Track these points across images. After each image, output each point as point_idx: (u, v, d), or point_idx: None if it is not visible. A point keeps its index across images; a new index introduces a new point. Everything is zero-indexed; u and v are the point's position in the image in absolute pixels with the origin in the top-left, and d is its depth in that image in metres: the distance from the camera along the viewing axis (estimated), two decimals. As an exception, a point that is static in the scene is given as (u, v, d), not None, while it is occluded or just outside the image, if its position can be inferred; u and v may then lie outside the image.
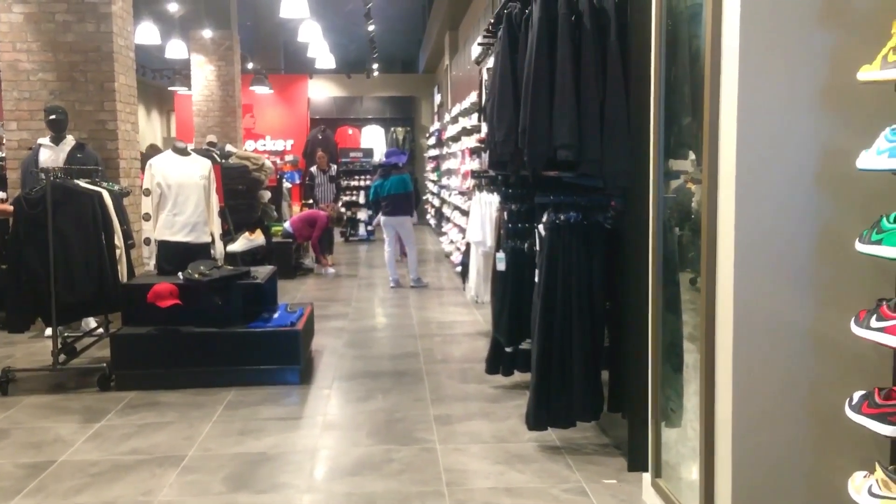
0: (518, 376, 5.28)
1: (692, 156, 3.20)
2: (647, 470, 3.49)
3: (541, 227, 4.19)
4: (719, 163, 2.69)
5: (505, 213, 5.17)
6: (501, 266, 4.97)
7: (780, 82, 2.57)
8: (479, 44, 7.11)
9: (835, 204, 2.59)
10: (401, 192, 9.79)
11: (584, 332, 4.05)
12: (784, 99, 2.58)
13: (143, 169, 6.76)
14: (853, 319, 2.18)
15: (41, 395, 5.30)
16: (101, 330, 6.41)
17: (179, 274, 5.64)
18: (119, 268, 5.69)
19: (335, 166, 14.48)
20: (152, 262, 6.07)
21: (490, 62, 6.09)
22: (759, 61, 2.56)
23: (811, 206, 2.60)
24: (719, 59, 2.66)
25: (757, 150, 2.58)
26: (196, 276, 5.56)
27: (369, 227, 11.03)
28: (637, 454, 3.71)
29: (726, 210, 2.65)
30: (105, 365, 5.45)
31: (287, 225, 10.62)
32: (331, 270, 11.19)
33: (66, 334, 6.09)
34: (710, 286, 2.74)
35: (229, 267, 6.10)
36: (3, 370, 5.34)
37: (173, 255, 5.92)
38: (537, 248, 4.30)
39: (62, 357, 5.63)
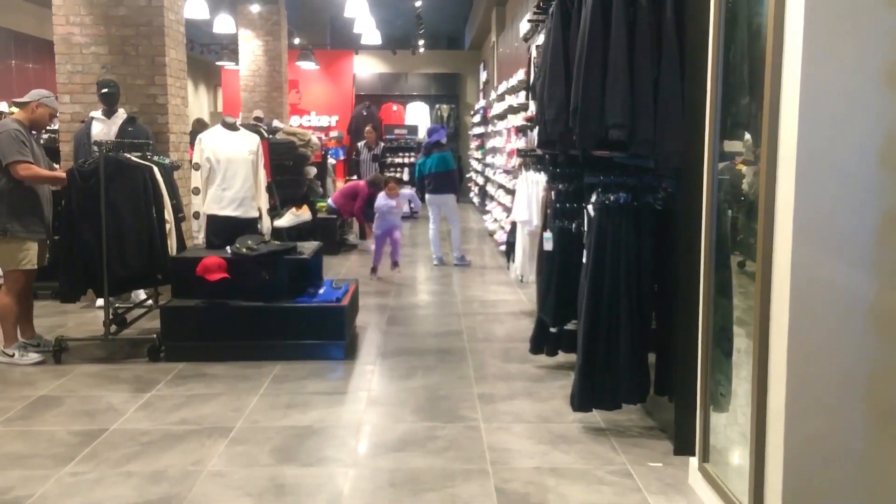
0: (562, 357, 5.25)
1: (746, 136, 3.13)
2: (693, 454, 3.46)
3: (590, 207, 4.14)
4: (779, 143, 2.62)
5: (553, 193, 5.12)
6: (549, 246, 4.93)
7: (845, 61, 2.49)
8: (529, 20, 7.02)
9: (900, 187, 2.51)
10: (442, 171, 9.75)
11: (632, 313, 4.01)
12: (849, 78, 2.50)
13: (191, 143, 6.84)
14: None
15: (93, 364, 5.43)
16: (150, 302, 6.53)
17: (227, 248, 5.71)
18: (169, 241, 5.78)
19: (382, 143, 14.50)
20: (201, 235, 6.15)
21: (540, 39, 6.02)
22: (824, 39, 2.48)
23: (875, 186, 2.53)
24: (782, 38, 2.59)
25: (819, 131, 2.51)
26: (244, 250, 5.62)
27: (412, 206, 10.60)
28: (683, 438, 3.67)
29: (785, 191, 2.58)
30: (155, 336, 5.56)
31: (330, 201, 10.68)
32: (374, 247, 11.23)
33: (116, 305, 6.22)
34: (766, 269, 2.69)
35: (276, 242, 6.16)
36: (57, 339, 5.48)
37: (221, 230, 5.99)
38: (585, 228, 4.26)
39: (113, 328, 5.75)
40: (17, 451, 3.89)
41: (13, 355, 5.37)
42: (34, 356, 5.41)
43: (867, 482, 2.60)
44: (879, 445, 2.58)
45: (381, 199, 8.89)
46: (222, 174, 6.05)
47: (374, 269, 8.84)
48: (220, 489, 3.48)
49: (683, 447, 3.67)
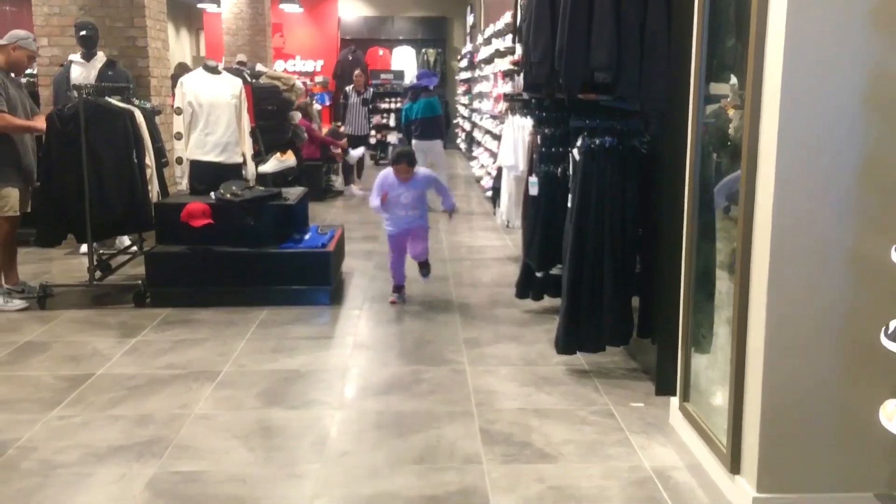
0: (547, 301, 5.29)
1: (733, 80, 3.11)
2: (674, 394, 3.52)
3: (575, 151, 4.12)
4: (764, 84, 2.61)
5: (538, 138, 5.10)
6: (534, 191, 4.93)
7: (831, 1, 2.46)
8: (515, -39, 6.89)
9: (883, 128, 2.51)
10: (430, 116, 9.66)
11: (616, 257, 4.03)
12: (835, 19, 2.48)
13: (173, 88, 6.74)
14: (894, 248, 2.14)
15: (78, 310, 5.43)
16: (134, 248, 6.50)
17: (212, 194, 5.67)
18: (151, 187, 5.73)
19: (371, 88, 14.32)
20: (184, 181, 6.11)
21: (526, -20, 5.91)
22: (811, -22, 2.45)
23: (858, 129, 2.52)
24: (769, -24, 2.55)
25: (804, 72, 2.49)
26: (228, 196, 5.59)
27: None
28: (665, 378, 3.73)
29: (769, 133, 2.58)
30: (140, 282, 5.55)
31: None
32: (360, 192, 11.20)
33: (101, 252, 6.19)
34: (748, 211, 2.70)
35: (260, 188, 6.12)
36: (41, 285, 5.46)
37: (205, 175, 5.94)
38: (571, 172, 4.25)
39: (98, 274, 5.74)
40: (3, 396, 3.91)
41: (-2, 301, 5.36)
42: (19, 302, 5.39)
43: (842, 419, 2.65)
44: (855, 384, 2.62)
45: (388, 179, 5.54)
46: (205, 119, 5.97)
47: (396, 290, 5.72)
48: (208, 431, 3.52)
49: (665, 388, 3.73)
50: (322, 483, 3.06)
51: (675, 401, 3.50)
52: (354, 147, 11.49)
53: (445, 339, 4.81)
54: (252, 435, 3.48)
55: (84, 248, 6.25)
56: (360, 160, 12.10)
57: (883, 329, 2.28)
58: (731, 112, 3.14)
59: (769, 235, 2.58)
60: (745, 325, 2.73)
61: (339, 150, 11.06)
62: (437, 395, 3.95)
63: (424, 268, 5.85)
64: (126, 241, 6.80)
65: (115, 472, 3.13)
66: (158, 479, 3.06)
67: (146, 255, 5.69)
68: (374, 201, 5.52)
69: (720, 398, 3.09)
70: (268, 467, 3.19)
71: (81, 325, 5.09)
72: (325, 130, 12.29)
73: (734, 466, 2.80)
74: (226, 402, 3.86)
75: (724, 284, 3.12)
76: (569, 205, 4.19)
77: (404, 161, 5.44)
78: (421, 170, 5.65)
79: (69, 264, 6.64)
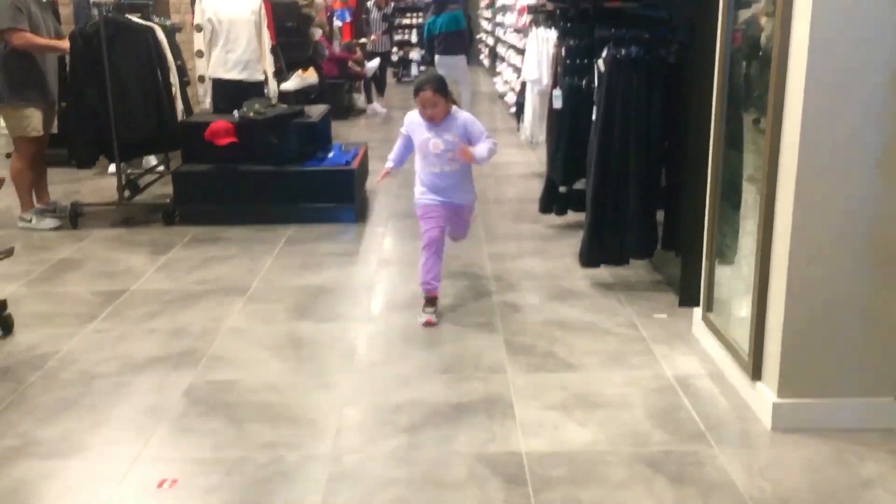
0: (571, 216, 5.29)
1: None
2: (697, 305, 3.54)
3: (600, 62, 4.06)
4: (796, -12, 2.53)
5: (563, 49, 5.00)
6: (558, 104, 4.87)
7: None
8: None
9: (918, 31, 2.44)
10: (453, 30, 9.48)
11: (641, 170, 4.00)
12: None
13: (192, 5, 6.65)
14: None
15: (109, 228, 5.52)
16: (161, 168, 6.55)
17: (234, 112, 5.67)
18: (175, 105, 5.73)
19: (392, 3, 14.03)
20: (207, 99, 6.10)
21: None
22: None
23: (890, 34, 2.45)
24: None
25: (838, -27, 2.41)
26: (251, 114, 5.58)
27: (422, 68, 9.96)
28: (688, 290, 3.75)
29: (799, 39, 2.52)
30: (168, 201, 5.62)
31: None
32: (382, 110, 11.11)
33: (128, 171, 6.25)
34: (777, 119, 2.66)
35: (283, 106, 6.09)
36: (72, 204, 5.55)
37: (227, 94, 5.93)
38: (595, 84, 4.19)
39: (126, 193, 5.81)
40: (42, 311, 4.03)
41: (31, 220, 5.46)
42: (51, 221, 5.49)
43: (865, 324, 2.67)
44: (880, 290, 2.63)
45: (413, 119, 3.95)
46: (225, 36, 5.92)
47: (429, 302, 3.90)
48: (240, 343, 3.62)
49: (688, 299, 3.75)
50: (352, 392, 3.16)
51: (698, 311, 3.53)
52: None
53: (470, 255, 4.85)
54: (283, 347, 3.57)
55: (112, 168, 6.32)
56: (382, 77, 11.97)
57: (909, 235, 2.27)
58: (763, 20, 3.07)
59: (797, 142, 2.55)
60: (771, 233, 2.73)
61: (359, 68, 10.93)
62: (462, 308, 4.01)
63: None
64: (153, 160, 6.85)
65: (152, 381, 3.24)
66: (195, 388, 3.18)
67: (173, 174, 5.74)
68: (391, 156, 4.04)
69: (743, 308, 3.11)
70: (299, 377, 3.29)
71: (113, 243, 5.19)
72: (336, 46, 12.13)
73: (755, 373, 2.84)
74: (256, 315, 3.95)
75: (751, 197, 3.10)
76: (593, 117, 4.15)
77: (428, 87, 3.69)
78: (461, 113, 3.85)
79: (98, 184, 6.72)
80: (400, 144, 4.00)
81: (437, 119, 3.76)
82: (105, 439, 2.81)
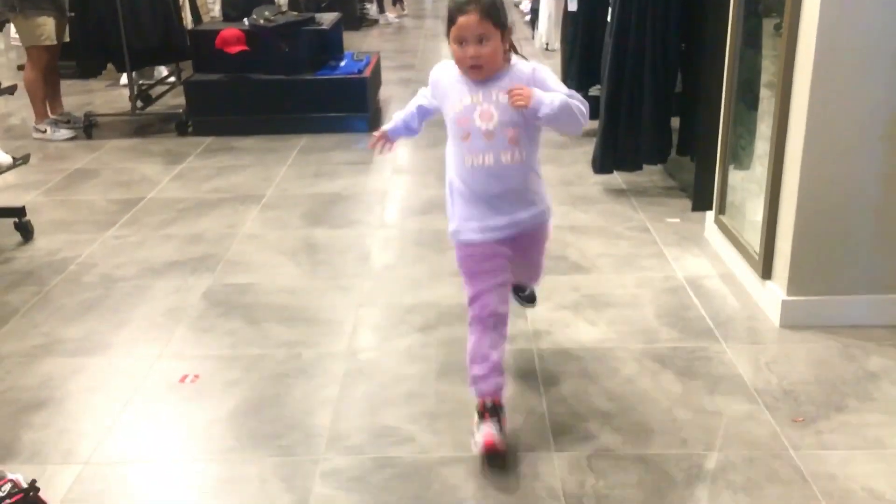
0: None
1: None
2: (710, 209, 3.54)
3: (617, -40, 3.93)
4: None
5: (578, -51, 4.84)
6: (573, 6, 4.77)
7: None
8: None
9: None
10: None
11: (657, 73, 3.94)
12: None
13: None
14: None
15: (123, 139, 5.53)
16: (173, 78, 6.51)
17: (245, 20, 5.59)
18: (183, 14, 5.65)
19: None
20: (217, 7, 6.01)
21: None
22: None
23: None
24: None
25: None
26: (261, 21, 5.50)
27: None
28: (702, 194, 3.74)
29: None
30: (181, 111, 5.61)
31: None
32: (395, 19, 10.91)
33: (140, 82, 6.22)
34: (794, 16, 2.60)
35: (293, 13, 6.00)
36: (86, 115, 5.55)
37: (237, 1, 5.83)
38: (612, -16, 4.08)
39: (139, 104, 5.80)
40: (61, 218, 4.09)
41: (45, 131, 5.47)
42: (65, 132, 5.51)
43: (876, 222, 2.67)
44: (891, 189, 2.61)
45: (443, 76, 2.24)
46: (231, -60, 5.78)
47: (491, 413, 2.18)
48: (256, 248, 3.67)
49: (701, 203, 3.75)
50: (366, 294, 3.21)
51: (710, 215, 3.53)
52: None
53: (483, 162, 4.83)
54: (298, 252, 3.62)
55: (124, 79, 6.29)
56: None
57: (925, 129, 2.24)
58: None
59: (814, 38, 2.49)
60: (785, 132, 2.71)
61: None
62: (475, 214, 4.02)
63: (526, 295, 2.76)
64: (164, 71, 6.80)
65: (172, 284, 3.31)
66: (213, 290, 3.24)
67: (185, 83, 5.71)
68: (398, 116, 2.44)
69: (756, 210, 3.11)
70: (314, 280, 3.34)
71: (128, 153, 5.21)
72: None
73: (766, 272, 2.86)
74: (271, 222, 3.99)
75: (768, 102, 3.06)
76: (608, 20, 4.07)
77: (474, 8, 2.08)
78: (526, 64, 2.22)
79: (110, 95, 6.70)
80: (411, 107, 2.38)
81: (486, 70, 2.11)
82: (127, 338, 2.89)
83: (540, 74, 2.16)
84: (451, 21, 2.09)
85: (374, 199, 4.33)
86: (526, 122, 2.11)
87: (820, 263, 2.71)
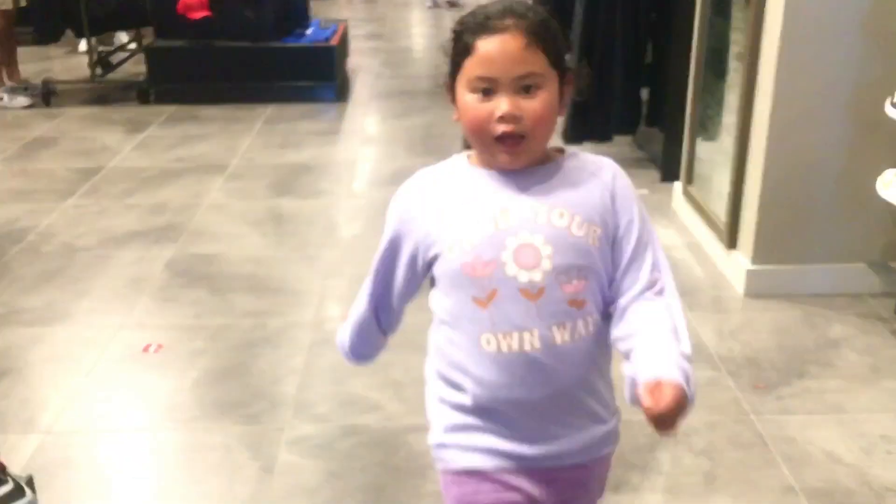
0: (555, 95, 5.23)
1: None
2: (678, 180, 3.56)
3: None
4: None
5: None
6: (542, -24, 4.72)
7: None
8: None
9: None
10: None
11: (627, 43, 3.93)
12: None
13: None
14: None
15: (83, 107, 5.41)
16: (134, 45, 6.37)
17: (208, -15, 5.47)
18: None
19: None
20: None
21: None
22: None
23: None
24: None
25: None
26: (226, -13, 5.39)
27: None
28: (670, 165, 3.75)
29: None
30: (143, 79, 5.49)
31: None
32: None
33: (100, 49, 6.07)
34: (764, -17, 2.60)
35: (259, -21, 5.88)
36: (44, 82, 5.42)
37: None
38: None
39: (99, 71, 5.67)
40: (19, 187, 3.99)
41: (2, 98, 5.33)
42: (23, 99, 5.36)
43: (841, 191, 2.70)
44: (857, 156, 2.64)
45: (431, 191, 1.19)
46: None
47: None
48: (221, 218, 3.62)
49: (670, 174, 3.76)
50: (333, 264, 3.18)
51: (678, 185, 3.55)
52: None
53: (454, 133, 4.71)
54: (264, 222, 3.58)
55: (83, 45, 6.13)
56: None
57: (888, 99, 2.26)
58: None
59: (781, 8, 2.50)
60: (752, 102, 2.72)
61: None
62: (443, 184, 4.00)
63: None
64: (124, 37, 6.64)
65: (134, 254, 3.25)
66: (176, 260, 3.19)
67: (146, 50, 5.59)
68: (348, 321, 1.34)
69: (723, 181, 3.12)
70: (281, 250, 3.31)
71: (87, 122, 5.09)
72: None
73: (731, 241, 2.89)
74: (237, 192, 3.93)
75: (737, 73, 3.06)
76: (579, -11, 4.04)
77: (514, 26, 1.08)
78: (592, 157, 1.20)
79: (70, 63, 6.52)
80: (369, 288, 1.30)
81: (532, 148, 1.13)
82: (89, 308, 2.84)
83: (622, 188, 1.16)
84: (466, 48, 1.10)
85: (342, 169, 4.29)
86: (598, 262, 1.11)
87: (784, 233, 2.74)
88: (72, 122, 5.09)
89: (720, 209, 3.04)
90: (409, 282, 1.22)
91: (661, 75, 4.01)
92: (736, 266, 2.86)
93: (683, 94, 3.47)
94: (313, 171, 4.23)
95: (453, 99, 1.16)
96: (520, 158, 1.11)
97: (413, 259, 1.18)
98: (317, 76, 5.51)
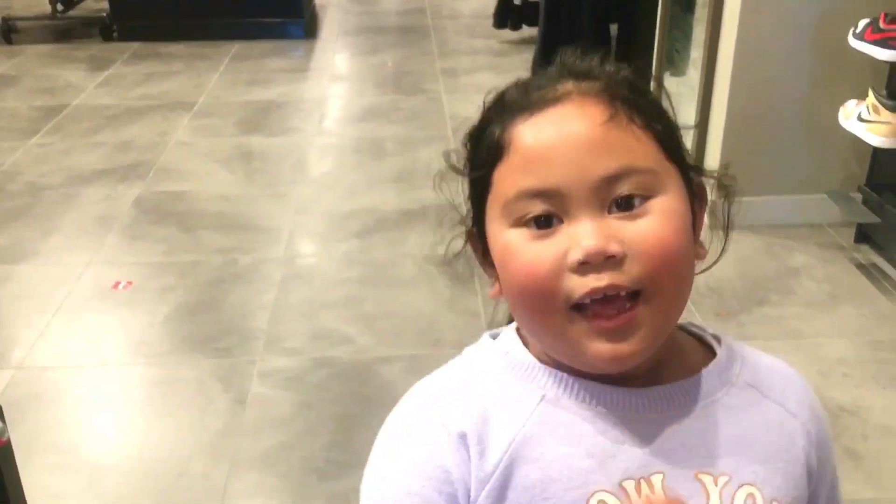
0: (526, 31, 5.17)
1: None
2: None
3: None
4: None
5: None
6: None
7: None
8: None
9: None
10: None
11: (596, -23, 3.90)
12: None
13: None
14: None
15: (45, 44, 5.27)
16: (95, -20, 6.19)
17: (170, -83, 5.31)
18: None
19: None
20: None
21: None
22: None
23: None
24: None
25: None
26: (188, -81, 5.24)
27: None
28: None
29: None
30: (105, 15, 5.35)
31: None
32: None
33: (60, -16, 5.89)
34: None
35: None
36: (3, 18, 5.26)
37: None
38: None
39: (59, 7, 5.51)
40: (-19, 126, 3.92)
41: (-41, 36, 5.19)
42: (-18, 37, 5.23)
43: (804, 124, 2.73)
44: (819, 88, 2.66)
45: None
46: None
47: None
48: (188, 156, 3.58)
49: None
50: (304, 200, 3.18)
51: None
52: None
53: (423, 70, 4.77)
54: (232, 159, 3.55)
55: (42, -20, 5.94)
56: None
57: (851, 30, 2.28)
58: None
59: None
60: (717, 35, 2.72)
61: None
62: (413, 121, 3.99)
63: None
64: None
65: (101, 192, 3.23)
66: (144, 198, 3.17)
67: (108, -15, 5.44)
68: None
69: (689, 115, 3.14)
70: (250, 187, 3.30)
71: (50, 59, 4.97)
72: None
73: (697, 174, 2.91)
74: (204, 130, 3.89)
75: (702, 6, 3.06)
76: (549, -80, 3.98)
77: (602, 90, 0.61)
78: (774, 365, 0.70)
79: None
80: None
81: (645, 329, 0.58)
82: (57, 246, 2.82)
83: (824, 432, 0.70)
84: (499, 146, 0.63)
85: (311, 106, 4.25)
86: None
87: (748, 165, 2.76)
88: (33, 59, 4.97)
89: (686, 143, 3.06)
90: None
91: (629, 10, 4.00)
92: (701, 199, 2.89)
93: (652, 28, 3.46)
94: (282, 108, 4.19)
95: (485, 255, 0.66)
96: (633, 345, 0.58)
97: None
98: (284, 13, 5.40)
